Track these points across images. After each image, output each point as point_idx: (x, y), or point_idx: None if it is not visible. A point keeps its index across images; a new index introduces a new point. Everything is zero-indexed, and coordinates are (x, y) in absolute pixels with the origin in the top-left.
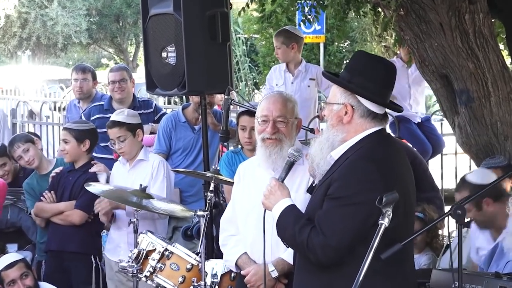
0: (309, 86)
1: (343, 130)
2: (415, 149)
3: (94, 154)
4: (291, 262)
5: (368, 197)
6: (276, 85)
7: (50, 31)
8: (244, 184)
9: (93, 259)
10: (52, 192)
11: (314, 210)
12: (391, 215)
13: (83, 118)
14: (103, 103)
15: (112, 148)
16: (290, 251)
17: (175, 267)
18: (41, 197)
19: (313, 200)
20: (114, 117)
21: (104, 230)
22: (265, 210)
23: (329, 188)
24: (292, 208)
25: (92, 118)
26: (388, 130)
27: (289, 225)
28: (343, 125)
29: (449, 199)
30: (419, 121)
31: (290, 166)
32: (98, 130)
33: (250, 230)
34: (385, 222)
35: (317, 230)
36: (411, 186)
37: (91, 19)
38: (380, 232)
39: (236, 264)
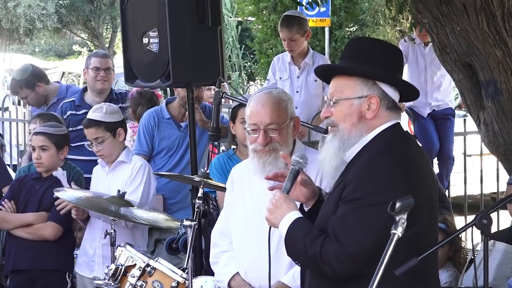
0: (316, 81)
1: (367, 127)
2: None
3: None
4: (293, 286)
5: (388, 196)
6: (280, 78)
7: (13, 13)
8: (238, 193)
9: (67, 277)
10: (12, 201)
11: (326, 219)
12: (405, 223)
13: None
14: (74, 98)
15: (89, 149)
16: (291, 273)
17: (158, 285)
18: (0, 206)
19: (324, 209)
20: (91, 114)
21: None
22: (270, 227)
23: (343, 191)
24: (301, 220)
25: (64, 116)
26: (405, 126)
27: (299, 239)
28: (366, 122)
29: (473, 207)
30: (429, 111)
31: (295, 175)
32: (70, 129)
33: (247, 248)
34: (398, 232)
35: (331, 238)
36: (434, 188)
37: (60, 1)
38: (392, 244)
39: (228, 285)
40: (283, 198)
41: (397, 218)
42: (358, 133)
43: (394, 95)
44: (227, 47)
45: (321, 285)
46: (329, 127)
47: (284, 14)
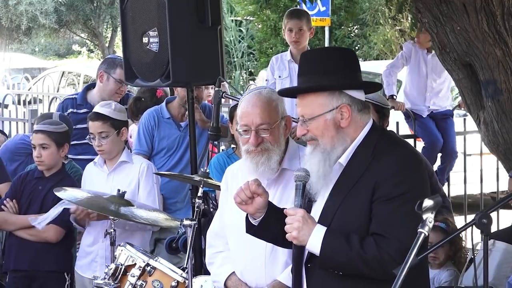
0: None
1: (347, 134)
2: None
3: None
4: (289, 284)
5: (423, 190)
6: (279, 77)
7: (13, 12)
8: (233, 193)
9: (66, 276)
10: (14, 200)
11: (353, 222)
12: (432, 223)
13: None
14: (76, 96)
15: (90, 143)
16: (287, 271)
17: (158, 285)
18: (2, 206)
19: (345, 214)
20: (99, 108)
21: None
22: (293, 246)
23: (374, 192)
24: (332, 231)
25: (65, 113)
26: (405, 125)
27: (343, 248)
28: (343, 130)
29: (473, 206)
30: (428, 113)
31: (303, 189)
32: None
33: (242, 249)
34: (424, 230)
35: (385, 238)
36: None
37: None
38: (419, 243)
39: (225, 285)
40: (306, 215)
41: (424, 217)
42: (341, 142)
43: (359, 95)
44: (229, 47)
45: None
46: (308, 140)
47: (290, 9)
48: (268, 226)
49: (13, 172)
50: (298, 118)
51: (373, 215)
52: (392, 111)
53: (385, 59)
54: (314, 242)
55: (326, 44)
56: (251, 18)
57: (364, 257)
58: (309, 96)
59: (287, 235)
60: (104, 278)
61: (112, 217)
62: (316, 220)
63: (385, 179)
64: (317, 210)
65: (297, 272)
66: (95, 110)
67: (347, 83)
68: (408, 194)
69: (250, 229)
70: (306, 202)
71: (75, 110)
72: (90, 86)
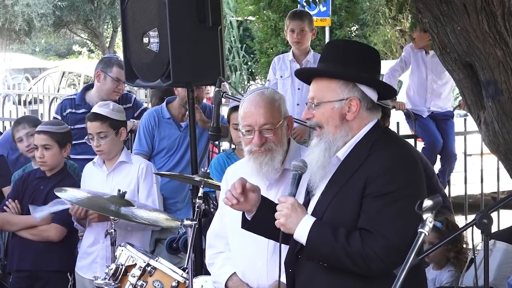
0: None
1: (350, 128)
2: (420, 152)
3: None
4: None
5: (415, 190)
6: (281, 77)
7: (11, 12)
8: None
9: (69, 276)
10: (16, 201)
11: (343, 217)
12: (432, 223)
13: (56, 113)
14: (74, 96)
15: (88, 144)
16: None
17: (158, 285)
18: (4, 207)
19: (337, 207)
20: (97, 109)
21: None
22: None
23: (366, 188)
24: (320, 222)
25: (64, 114)
26: (406, 125)
27: (329, 239)
28: (348, 123)
29: (474, 206)
30: (428, 114)
31: (298, 179)
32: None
33: (243, 249)
34: (425, 230)
35: (371, 234)
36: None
37: (59, 2)
38: (419, 242)
39: (226, 286)
40: (296, 203)
41: (424, 217)
42: (343, 134)
43: (372, 95)
44: (227, 46)
45: (344, 285)
46: (315, 131)
47: (292, 10)
48: (262, 220)
49: (15, 161)
50: (307, 102)
51: (362, 211)
52: (393, 111)
53: (385, 59)
54: (301, 231)
55: None
56: (252, 18)
57: (348, 250)
58: (323, 81)
59: (275, 222)
60: (105, 278)
61: (113, 217)
62: (311, 213)
63: (377, 176)
64: (314, 203)
65: (290, 264)
66: (93, 110)
67: (363, 77)
68: (398, 192)
69: (245, 224)
70: (306, 195)
71: (73, 110)
72: (89, 86)
